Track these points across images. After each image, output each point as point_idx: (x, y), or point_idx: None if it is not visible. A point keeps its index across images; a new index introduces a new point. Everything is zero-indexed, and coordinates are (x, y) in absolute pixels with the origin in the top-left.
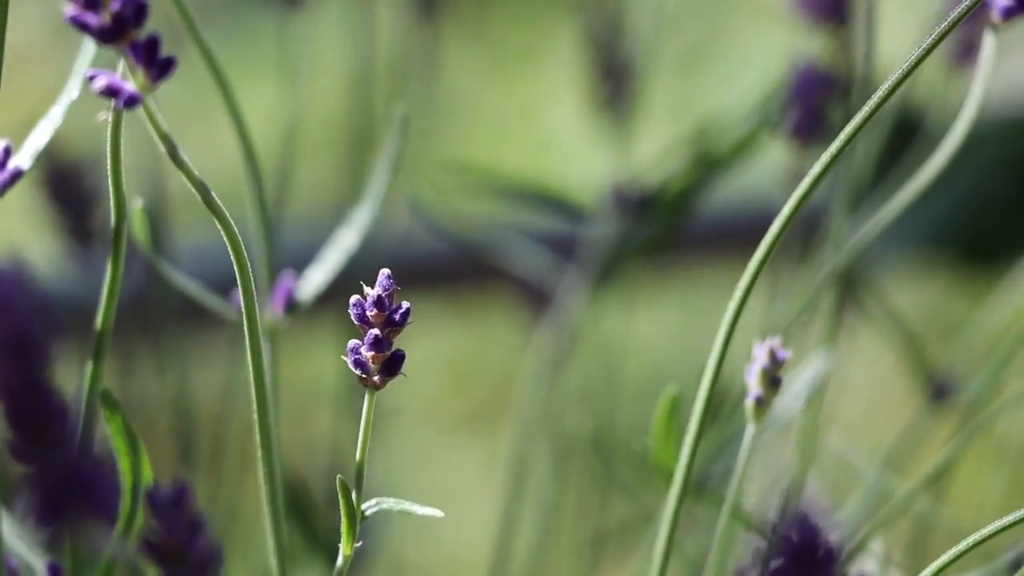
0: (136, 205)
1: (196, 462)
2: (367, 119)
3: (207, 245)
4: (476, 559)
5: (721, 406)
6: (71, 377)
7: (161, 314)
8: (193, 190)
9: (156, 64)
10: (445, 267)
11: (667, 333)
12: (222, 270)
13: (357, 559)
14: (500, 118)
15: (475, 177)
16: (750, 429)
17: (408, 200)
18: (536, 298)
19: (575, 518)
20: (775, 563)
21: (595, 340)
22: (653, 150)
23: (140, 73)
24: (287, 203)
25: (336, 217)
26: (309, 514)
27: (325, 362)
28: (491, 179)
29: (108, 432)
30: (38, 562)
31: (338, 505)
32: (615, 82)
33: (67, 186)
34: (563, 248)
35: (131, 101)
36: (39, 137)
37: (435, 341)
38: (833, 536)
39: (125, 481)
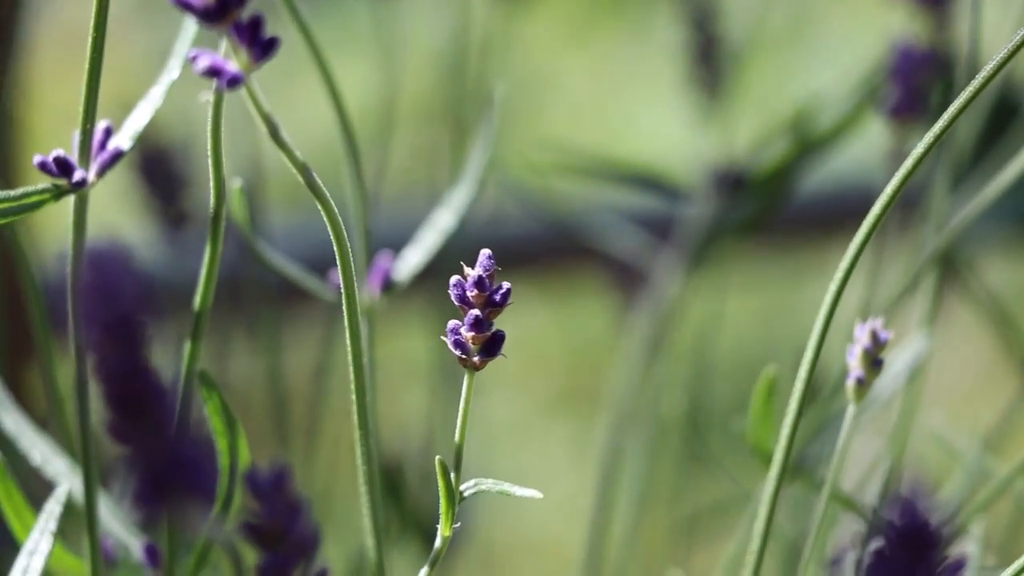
0: (235, 186)
1: (290, 441)
2: (456, 98)
3: (296, 224)
4: (564, 537)
5: (816, 387)
6: (164, 357)
7: (255, 295)
8: (293, 170)
9: (259, 44)
10: (533, 246)
11: (753, 314)
12: (311, 249)
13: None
14: (581, 96)
15: (568, 156)
16: (850, 410)
17: (500, 179)
18: (627, 278)
19: (669, 499)
20: (875, 545)
21: (687, 321)
22: (745, 130)
23: (243, 53)
24: (380, 182)
25: (426, 196)
26: (403, 494)
27: (412, 340)
28: (585, 158)
29: (206, 412)
30: (134, 543)
31: (430, 484)
32: (710, 61)
33: (158, 167)
34: (652, 228)
35: (234, 82)
36: (139, 117)
37: (523, 320)
38: (934, 518)
39: (223, 462)
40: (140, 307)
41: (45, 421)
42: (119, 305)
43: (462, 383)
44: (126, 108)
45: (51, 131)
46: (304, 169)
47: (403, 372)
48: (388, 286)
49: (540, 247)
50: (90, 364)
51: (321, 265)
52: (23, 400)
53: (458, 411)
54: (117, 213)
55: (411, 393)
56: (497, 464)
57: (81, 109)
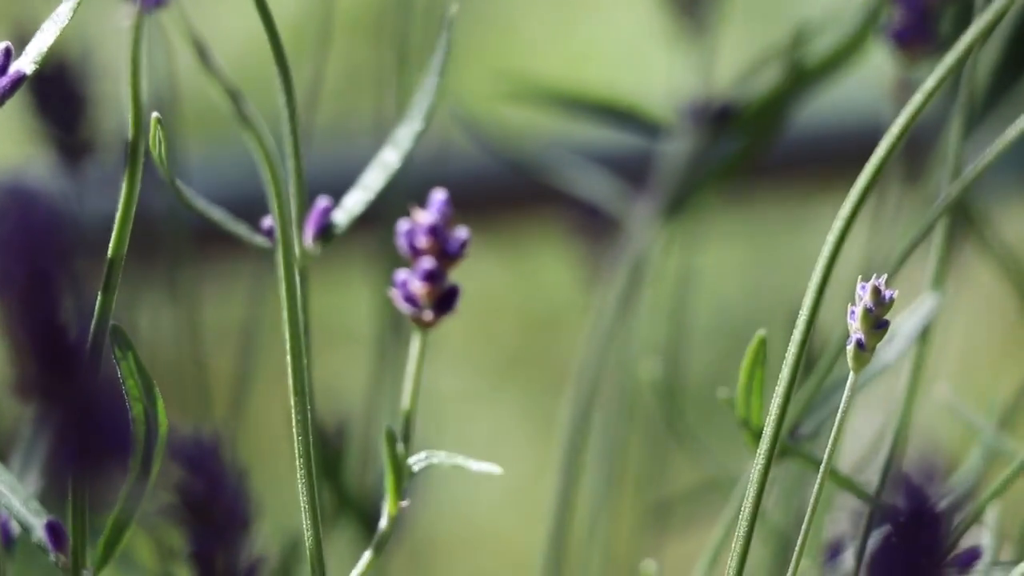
0: (152, 117)
1: (211, 407)
2: (399, 16)
3: (205, 158)
4: (516, 525)
5: (813, 353)
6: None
7: (169, 241)
8: (223, 99)
9: None
10: (482, 188)
11: (738, 269)
12: (232, 190)
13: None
14: (540, 16)
15: (528, 85)
16: (850, 378)
17: (450, 111)
18: (592, 226)
19: (641, 481)
20: (877, 533)
21: (663, 276)
22: (730, 55)
23: None
24: (312, 111)
25: (362, 128)
26: (341, 468)
27: (343, 293)
28: (547, 87)
29: (119, 373)
30: (35, 522)
31: (369, 460)
32: None
33: (54, 91)
34: (623, 168)
35: (156, 1)
36: (43, 38)
37: (471, 274)
38: (943, 503)
39: (137, 428)
40: (57, 252)
41: None
42: (35, 251)
43: (404, 343)
44: (21, 27)
45: None
46: (236, 97)
47: (333, 330)
48: (326, 233)
49: (491, 189)
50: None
51: (234, 205)
52: None
53: (404, 375)
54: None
55: (340, 354)
56: (441, 441)
57: None
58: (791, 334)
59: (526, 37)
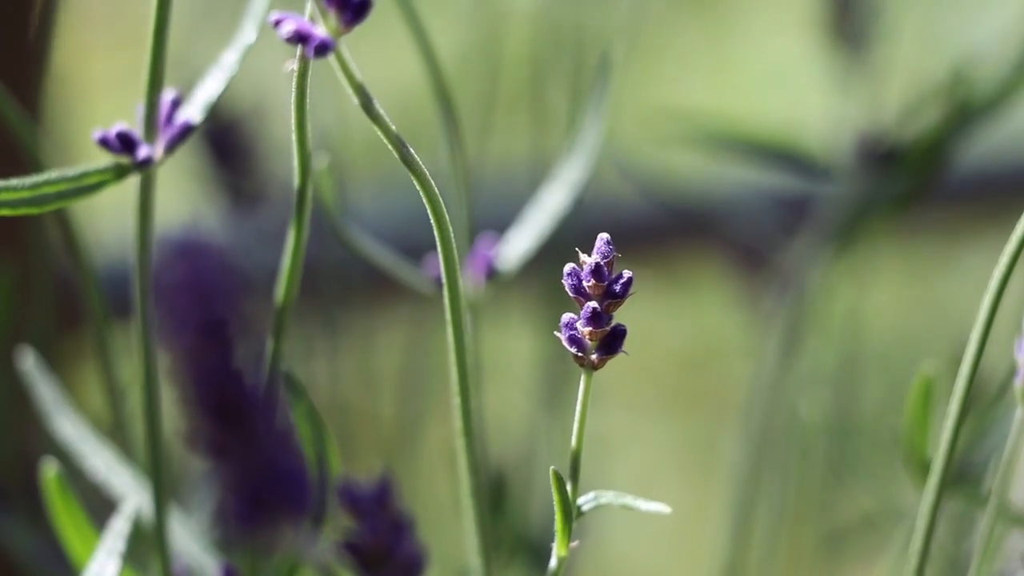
0: (321, 163)
1: (376, 451)
2: (555, 58)
3: (378, 200)
4: (668, 560)
5: (980, 387)
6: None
7: (333, 286)
8: (389, 146)
9: (350, 7)
10: (639, 227)
11: (902, 304)
12: (391, 235)
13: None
14: (692, 53)
15: (686, 125)
16: (1019, 413)
17: (607, 151)
18: (752, 265)
19: (810, 515)
20: None
21: (829, 313)
22: (893, 93)
23: (332, 16)
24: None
25: (508, 169)
26: (508, 508)
27: (493, 332)
28: (706, 127)
29: (292, 419)
30: (210, 564)
31: (532, 497)
32: (852, 9)
33: (222, 139)
34: (782, 208)
35: (322, 48)
36: (211, 87)
37: (628, 313)
38: None
39: (311, 473)
40: (228, 302)
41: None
42: (214, 302)
43: (561, 383)
44: (191, 75)
45: (93, 106)
46: (399, 144)
47: (490, 371)
48: (492, 275)
49: (648, 228)
50: (172, 367)
51: (396, 243)
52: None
53: (560, 413)
54: (168, 192)
55: (491, 392)
56: (598, 479)
57: (146, 75)
58: (951, 368)
59: (672, 63)
